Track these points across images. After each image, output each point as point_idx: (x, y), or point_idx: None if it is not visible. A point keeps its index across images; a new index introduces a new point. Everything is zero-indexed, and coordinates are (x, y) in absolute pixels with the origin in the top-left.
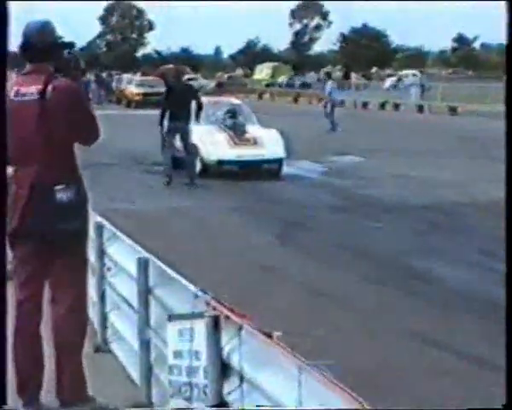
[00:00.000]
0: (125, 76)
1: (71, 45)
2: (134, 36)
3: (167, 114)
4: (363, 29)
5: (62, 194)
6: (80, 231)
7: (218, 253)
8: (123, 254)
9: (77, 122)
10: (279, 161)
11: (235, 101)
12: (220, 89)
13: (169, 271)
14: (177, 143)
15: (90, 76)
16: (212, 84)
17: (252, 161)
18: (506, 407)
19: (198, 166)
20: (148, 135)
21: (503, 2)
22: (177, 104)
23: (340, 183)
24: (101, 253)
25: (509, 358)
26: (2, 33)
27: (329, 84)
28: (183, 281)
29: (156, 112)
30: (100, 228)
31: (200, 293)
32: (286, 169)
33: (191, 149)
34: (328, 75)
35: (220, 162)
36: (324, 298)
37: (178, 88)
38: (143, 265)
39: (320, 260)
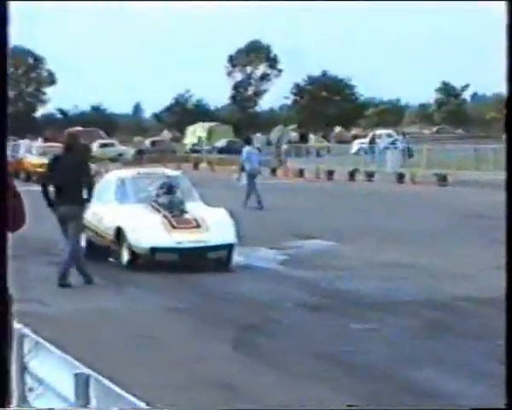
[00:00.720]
0: (23, 142)
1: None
2: (30, 90)
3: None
4: (323, 78)
5: None
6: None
7: (161, 367)
8: (50, 368)
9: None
10: (228, 248)
11: (170, 172)
12: (142, 157)
13: (117, 390)
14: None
15: None
16: (131, 150)
17: (194, 248)
18: (507, 406)
19: (125, 256)
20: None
21: (504, 3)
22: (63, 179)
23: (307, 274)
24: (22, 368)
25: (509, 358)
26: (2, 33)
27: (246, 151)
28: (132, 399)
29: None
30: (20, 337)
31: None
32: (237, 258)
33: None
34: (247, 140)
35: (154, 250)
36: None
37: (67, 158)
38: (82, 383)
39: (291, 374)
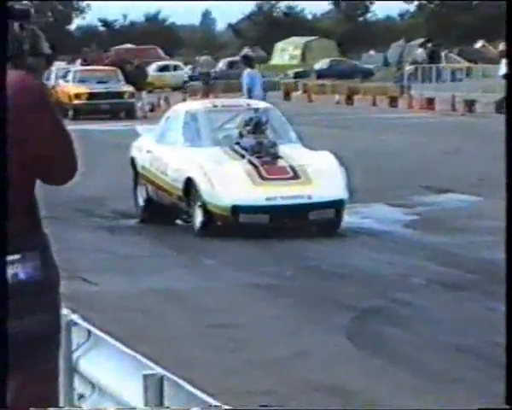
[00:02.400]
0: (55, 65)
1: (24, 14)
2: None
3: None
4: None
5: (18, 269)
6: (49, 329)
7: (248, 366)
8: (109, 369)
9: (41, 141)
10: (337, 206)
11: (257, 104)
12: (216, 84)
13: (202, 395)
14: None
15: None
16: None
17: (291, 205)
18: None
19: (198, 217)
20: (101, 166)
21: (503, 3)
22: None
23: (442, 240)
24: (70, 369)
25: (509, 358)
26: (1, 33)
27: (247, 75)
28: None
29: (113, 126)
30: (67, 327)
31: None
32: (348, 219)
33: None
34: (246, 59)
35: (236, 209)
36: None
37: None
38: (156, 387)
39: (426, 374)
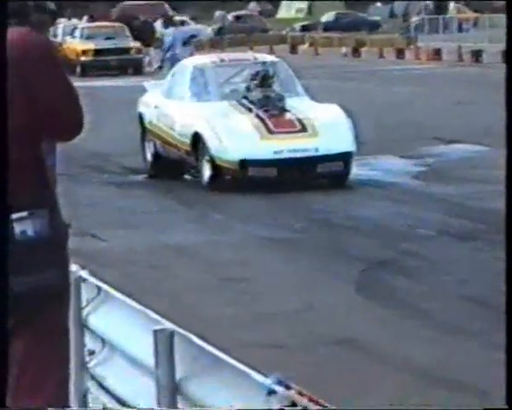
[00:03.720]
0: (63, 22)
1: None
2: None
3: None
4: None
5: (26, 226)
6: (58, 285)
7: (259, 319)
8: (119, 324)
9: (47, 96)
10: (345, 158)
11: (264, 58)
12: (223, 38)
13: (212, 350)
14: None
15: None
16: (208, 30)
17: (299, 158)
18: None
19: (206, 172)
20: (109, 122)
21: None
22: None
23: (451, 191)
24: (80, 325)
25: (509, 358)
26: (1, 33)
27: (170, 33)
28: (241, 366)
29: (121, 82)
30: (76, 283)
31: (277, 386)
32: (356, 171)
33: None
34: (166, 18)
35: (245, 163)
36: None
37: None
38: (166, 342)
39: (436, 326)
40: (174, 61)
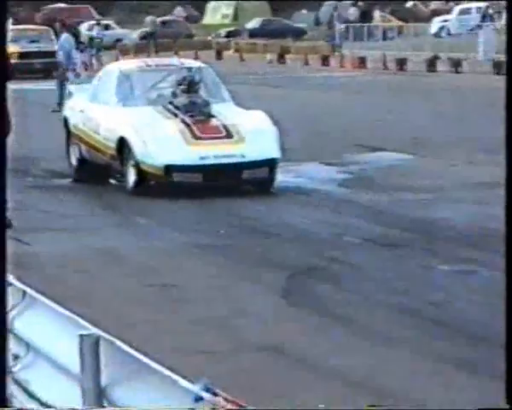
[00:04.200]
0: None
1: None
2: None
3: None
4: None
5: None
6: None
7: (186, 326)
8: (43, 329)
9: None
10: (270, 164)
11: (190, 63)
12: (149, 43)
13: (138, 356)
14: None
15: None
16: (133, 34)
17: (224, 164)
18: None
19: (132, 177)
20: (34, 126)
21: (503, 3)
22: None
23: (376, 199)
24: (5, 329)
25: (509, 357)
26: (1, 33)
27: (64, 39)
28: (168, 372)
29: (46, 85)
30: (2, 287)
31: (204, 393)
32: (281, 177)
33: None
34: (62, 23)
35: (170, 168)
36: None
37: None
38: (92, 348)
39: (359, 332)
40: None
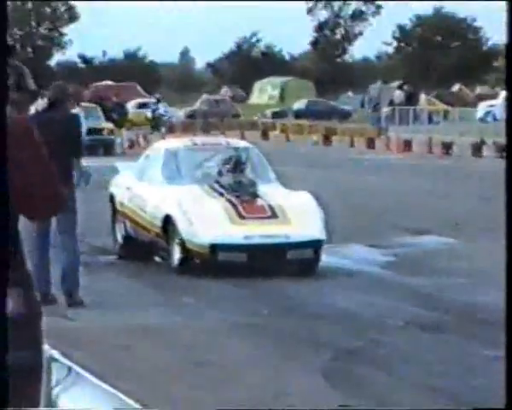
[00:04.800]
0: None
1: (9, 50)
2: (43, 29)
3: None
4: (436, 18)
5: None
6: (32, 366)
7: (228, 405)
8: (88, 405)
9: (26, 180)
10: (315, 246)
11: (237, 143)
12: (196, 123)
13: None
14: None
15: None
16: (180, 113)
17: (269, 245)
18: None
19: (177, 255)
20: (80, 202)
21: (504, 3)
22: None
23: (420, 282)
24: (50, 405)
25: (509, 358)
26: (1, 32)
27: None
28: None
29: (92, 162)
30: (47, 362)
31: None
32: (325, 259)
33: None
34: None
35: (215, 248)
36: None
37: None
38: None
39: None
40: None
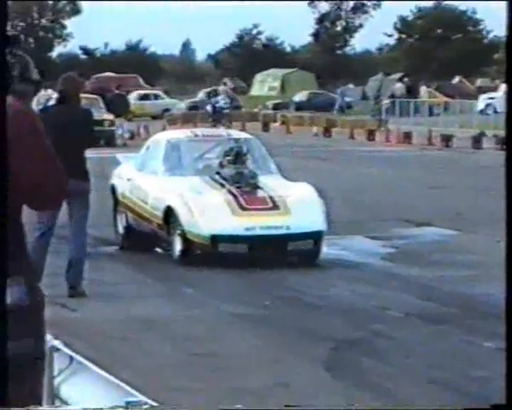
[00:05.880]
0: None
1: (14, 40)
2: (45, 21)
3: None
4: (437, 10)
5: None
6: (34, 356)
7: (229, 395)
8: (90, 395)
9: (31, 171)
10: (315, 237)
11: (238, 134)
12: (197, 114)
13: None
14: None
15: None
16: (182, 104)
17: (270, 236)
18: (507, 406)
19: (178, 246)
20: None
21: (504, 3)
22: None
23: (420, 273)
24: (52, 395)
25: (509, 358)
26: (1, 32)
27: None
28: None
29: (93, 153)
30: (49, 352)
31: None
32: (326, 250)
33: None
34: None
35: (216, 239)
36: None
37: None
38: None
39: (403, 407)
40: None
